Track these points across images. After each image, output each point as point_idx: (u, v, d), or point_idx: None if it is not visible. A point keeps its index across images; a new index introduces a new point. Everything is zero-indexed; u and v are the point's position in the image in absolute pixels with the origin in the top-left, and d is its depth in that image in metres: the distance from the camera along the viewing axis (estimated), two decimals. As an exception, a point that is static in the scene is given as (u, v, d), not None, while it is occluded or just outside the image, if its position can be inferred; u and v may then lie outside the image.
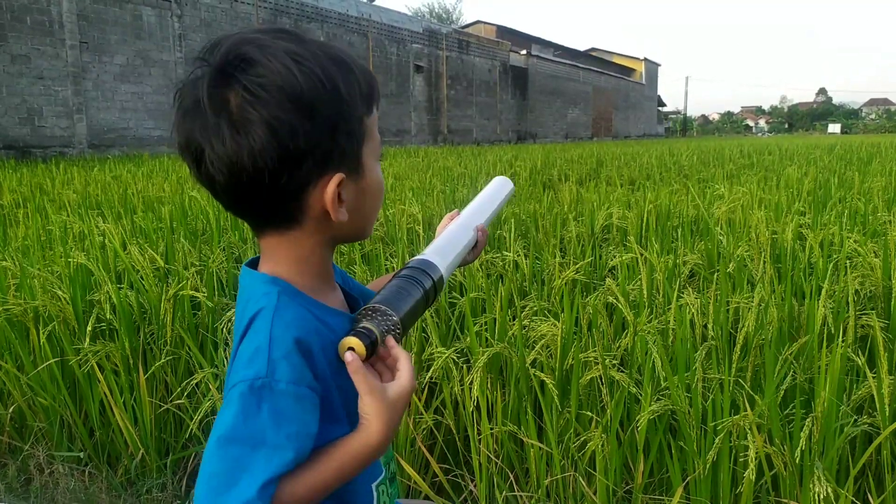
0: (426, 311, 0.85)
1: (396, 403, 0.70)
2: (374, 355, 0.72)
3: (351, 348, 0.69)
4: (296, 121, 0.65)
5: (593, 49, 58.43)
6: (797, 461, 1.44)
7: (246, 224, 0.83)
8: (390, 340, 0.73)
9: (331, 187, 0.70)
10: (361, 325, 0.73)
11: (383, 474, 0.83)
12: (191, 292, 2.26)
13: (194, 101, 0.67)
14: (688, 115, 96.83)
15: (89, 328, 2.10)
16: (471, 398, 1.77)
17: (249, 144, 0.65)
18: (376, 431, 0.68)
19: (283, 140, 0.65)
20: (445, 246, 0.93)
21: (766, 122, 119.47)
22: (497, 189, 1.13)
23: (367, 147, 0.74)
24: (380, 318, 0.74)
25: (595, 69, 45.47)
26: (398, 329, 0.74)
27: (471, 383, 1.75)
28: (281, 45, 0.67)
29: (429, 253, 0.89)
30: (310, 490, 0.66)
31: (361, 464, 0.69)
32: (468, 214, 1.04)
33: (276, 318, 0.68)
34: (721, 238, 3.19)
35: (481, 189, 1.13)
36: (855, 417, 1.58)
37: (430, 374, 1.87)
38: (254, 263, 0.78)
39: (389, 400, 0.69)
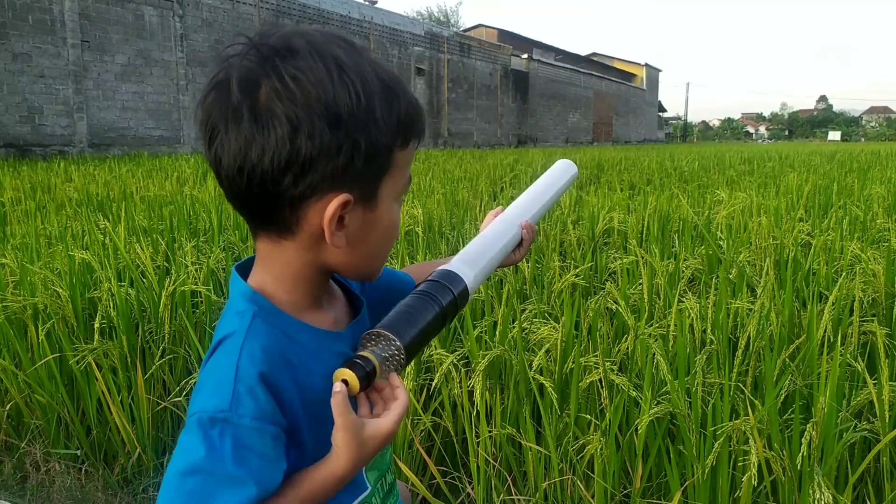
0: (440, 331, 0.78)
1: (367, 442, 0.66)
2: (371, 387, 0.69)
3: (345, 380, 0.66)
4: (317, 126, 0.61)
5: (594, 54, 58.53)
6: (797, 467, 1.44)
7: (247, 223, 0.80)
8: (393, 376, 0.69)
9: (332, 205, 0.65)
10: (360, 353, 0.68)
11: (368, 491, 0.80)
12: (192, 286, 2.26)
13: (225, 78, 0.64)
14: (688, 120, 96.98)
15: (96, 325, 2.10)
16: (471, 402, 1.77)
17: (264, 137, 0.61)
18: (341, 465, 0.66)
19: (298, 142, 0.61)
20: (476, 252, 0.87)
21: (767, 129, 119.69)
22: (557, 175, 1.05)
23: (389, 180, 0.69)
24: (382, 343, 0.70)
25: (596, 74, 45.54)
26: (401, 357, 0.70)
27: (471, 388, 1.74)
28: (332, 49, 0.64)
29: (455, 262, 0.83)
30: None
31: (326, 493, 0.67)
32: (514, 209, 0.96)
33: (244, 348, 0.65)
34: (721, 243, 3.19)
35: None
36: (855, 422, 1.57)
37: (435, 382, 1.86)
38: (244, 266, 0.75)
39: (362, 437, 0.66)
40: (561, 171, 1.07)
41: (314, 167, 0.63)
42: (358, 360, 0.67)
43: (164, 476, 0.61)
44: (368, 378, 0.67)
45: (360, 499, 0.79)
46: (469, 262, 0.84)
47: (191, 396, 0.66)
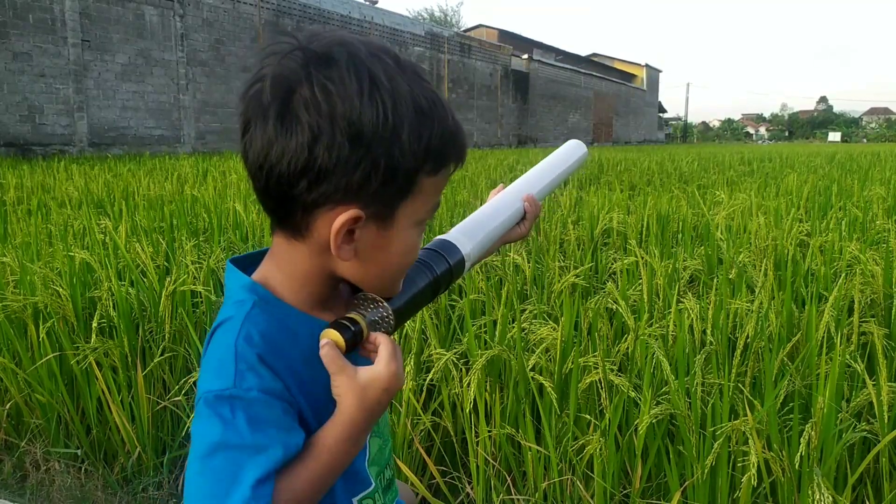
0: (434, 299, 0.79)
1: (368, 387, 0.67)
2: (357, 349, 0.69)
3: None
4: (337, 139, 0.62)
5: (595, 54, 58.50)
6: (796, 467, 1.44)
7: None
8: (373, 334, 0.69)
9: (341, 218, 0.65)
10: (348, 314, 0.69)
11: (372, 487, 0.80)
12: (191, 286, 2.26)
13: (266, 75, 0.64)
14: (688, 121, 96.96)
15: (95, 324, 2.10)
16: (468, 399, 1.77)
17: (285, 140, 0.62)
18: (349, 406, 0.66)
19: (316, 151, 0.62)
20: (475, 224, 0.86)
21: (767, 130, 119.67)
22: (566, 154, 1.03)
23: (409, 204, 0.68)
24: (371, 307, 0.70)
25: (596, 74, 45.54)
26: (390, 320, 0.70)
27: (468, 385, 1.74)
28: (373, 64, 0.64)
29: (453, 232, 0.82)
30: (307, 483, 0.65)
31: (349, 444, 0.68)
32: (519, 183, 0.95)
33: (241, 330, 0.66)
34: (721, 244, 3.20)
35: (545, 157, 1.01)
36: (854, 422, 1.58)
37: (429, 376, 1.86)
38: (239, 261, 0.75)
39: (361, 380, 0.66)
40: (571, 150, 1.05)
41: (329, 178, 0.63)
42: (345, 322, 0.67)
43: (187, 466, 0.62)
44: (355, 339, 0.67)
45: (363, 494, 0.79)
46: (467, 233, 0.84)
47: (197, 385, 0.67)
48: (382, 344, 0.69)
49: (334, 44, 0.64)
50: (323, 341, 0.66)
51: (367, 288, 0.72)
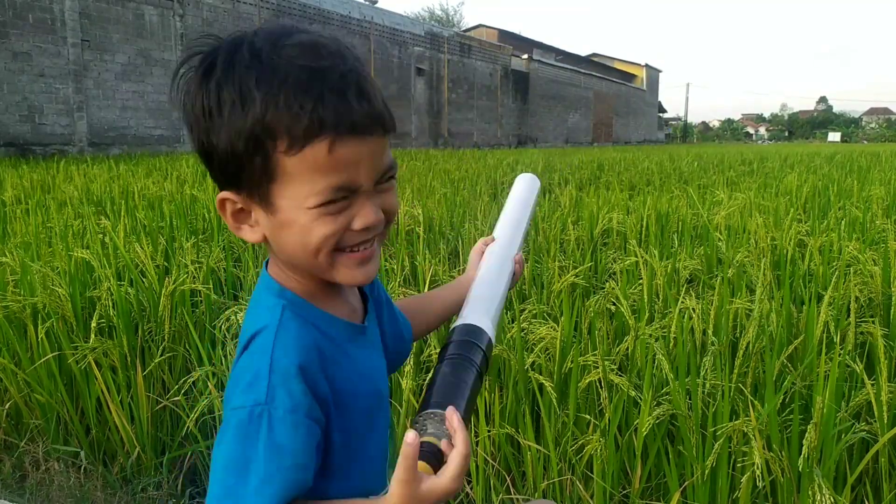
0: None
1: (423, 496, 0.65)
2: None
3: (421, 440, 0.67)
4: (189, 129, 0.69)
5: (595, 54, 58.48)
6: (797, 468, 1.44)
7: None
8: (453, 449, 0.68)
9: (217, 200, 0.70)
10: (423, 439, 0.69)
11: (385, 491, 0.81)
12: (191, 285, 2.26)
13: None
14: (688, 121, 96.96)
15: (94, 324, 2.10)
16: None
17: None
18: (399, 501, 0.65)
19: (195, 134, 0.68)
20: (487, 299, 0.87)
21: (767, 130, 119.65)
22: (525, 193, 1.05)
23: (282, 187, 0.66)
24: (437, 422, 0.70)
25: (596, 74, 45.53)
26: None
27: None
28: (231, 53, 0.66)
29: (472, 314, 0.83)
30: None
31: None
32: (502, 242, 0.97)
33: (277, 340, 0.66)
34: (720, 244, 3.19)
35: (507, 195, 1.04)
36: (853, 422, 1.58)
37: (429, 376, 1.86)
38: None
39: (418, 492, 0.64)
40: (528, 187, 1.07)
41: (210, 162, 0.69)
42: (426, 448, 0.67)
43: (211, 467, 0.64)
44: (438, 458, 0.68)
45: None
46: (485, 312, 0.85)
47: (226, 391, 0.68)
48: (455, 461, 0.67)
49: (228, 39, 0.68)
50: (409, 434, 0.64)
51: (297, 264, 0.72)
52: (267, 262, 0.76)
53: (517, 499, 1.73)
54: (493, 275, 0.93)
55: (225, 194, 0.69)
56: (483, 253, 1.03)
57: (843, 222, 3.78)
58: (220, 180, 0.69)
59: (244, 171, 0.66)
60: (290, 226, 0.67)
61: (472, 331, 0.80)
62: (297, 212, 0.67)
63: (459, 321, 0.83)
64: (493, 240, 1.03)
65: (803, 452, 1.40)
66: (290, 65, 0.64)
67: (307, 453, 0.65)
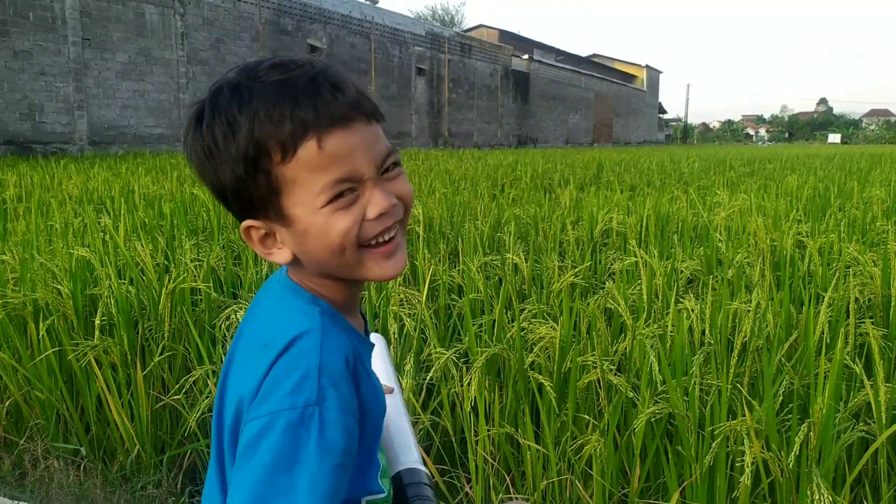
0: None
1: None
2: None
3: None
4: (206, 167, 0.70)
5: (595, 55, 58.49)
6: (793, 467, 1.44)
7: None
8: None
9: (242, 231, 0.73)
10: None
11: (384, 494, 0.82)
12: (191, 284, 2.26)
13: None
14: (688, 122, 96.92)
15: (97, 321, 2.10)
16: (468, 398, 1.77)
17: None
18: None
19: (206, 180, 0.71)
20: (409, 439, 0.99)
21: (767, 131, 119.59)
22: (383, 352, 1.15)
23: (291, 197, 0.68)
24: None
25: (597, 75, 45.54)
26: None
27: (468, 383, 1.75)
28: (219, 96, 0.69)
29: (407, 458, 0.94)
30: None
31: None
32: (396, 391, 1.09)
33: (324, 344, 0.68)
34: (720, 244, 3.20)
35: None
36: (853, 422, 1.58)
37: (429, 375, 1.86)
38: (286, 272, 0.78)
39: None
40: (381, 345, 1.14)
41: (225, 198, 0.72)
42: None
43: (244, 465, 0.62)
44: None
45: (372, 497, 0.81)
46: (414, 452, 0.96)
47: (260, 396, 0.66)
48: None
49: (210, 89, 0.72)
50: None
51: (331, 271, 0.74)
52: (285, 269, 0.78)
53: (516, 498, 1.73)
54: (399, 419, 1.02)
55: (247, 223, 0.72)
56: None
57: (842, 223, 3.78)
58: (238, 213, 0.72)
59: (254, 194, 0.69)
60: (310, 231, 0.69)
61: (415, 473, 0.92)
62: (311, 216, 0.68)
63: (398, 466, 0.93)
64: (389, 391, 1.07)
65: (794, 450, 1.40)
66: (264, 84, 0.68)
67: (353, 454, 0.66)
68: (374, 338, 1.08)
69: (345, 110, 0.68)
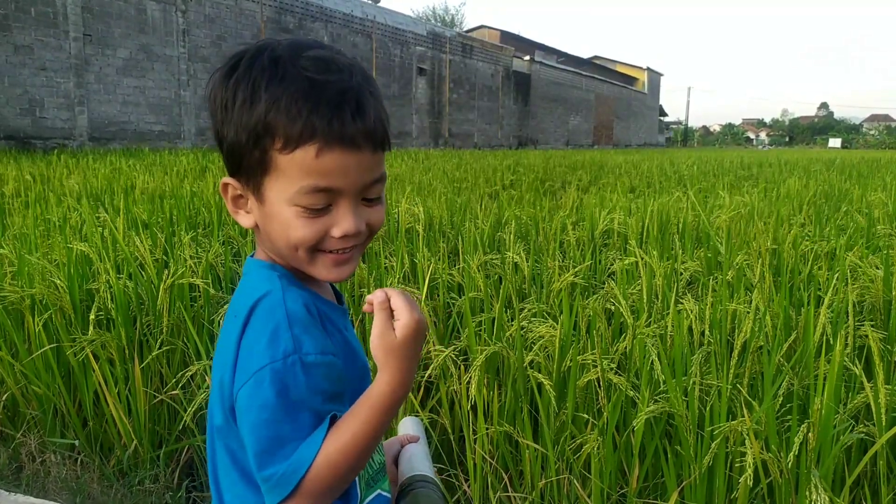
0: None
1: (404, 338, 0.72)
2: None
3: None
4: (217, 116, 0.74)
5: (596, 57, 58.48)
6: (792, 468, 1.44)
7: None
8: (385, 291, 0.77)
9: (221, 183, 0.77)
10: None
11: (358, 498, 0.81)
12: (190, 279, 2.26)
13: None
14: (689, 125, 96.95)
15: (92, 316, 2.09)
16: (467, 396, 1.76)
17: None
18: (395, 361, 0.72)
19: (214, 124, 0.75)
20: (424, 460, 1.00)
21: (767, 135, 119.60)
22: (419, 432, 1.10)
23: (273, 181, 0.72)
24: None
25: (598, 77, 45.53)
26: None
27: (468, 382, 1.74)
28: (258, 56, 0.72)
29: (422, 466, 0.97)
30: (341, 453, 0.68)
31: (387, 412, 0.71)
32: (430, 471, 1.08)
33: (286, 298, 0.72)
34: (720, 246, 3.19)
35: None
36: (852, 423, 1.57)
37: (427, 373, 1.86)
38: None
39: (400, 339, 0.72)
40: (419, 431, 1.10)
41: (220, 150, 0.76)
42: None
43: (247, 419, 0.68)
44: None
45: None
46: (426, 463, 0.99)
47: (240, 362, 0.70)
48: (394, 297, 0.75)
49: (257, 43, 0.75)
50: (379, 300, 0.74)
51: (281, 255, 0.77)
52: (251, 255, 0.82)
53: (515, 497, 1.73)
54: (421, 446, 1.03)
55: (228, 179, 0.77)
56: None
57: (844, 227, 3.78)
58: (227, 167, 0.77)
59: (245, 161, 0.73)
60: (275, 218, 0.74)
61: (424, 478, 0.94)
62: (281, 206, 0.73)
63: (410, 472, 0.93)
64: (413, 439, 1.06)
65: (794, 451, 1.39)
66: (299, 74, 0.70)
67: (342, 382, 0.72)
68: (411, 421, 1.09)
69: (356, 135, 0.71)
